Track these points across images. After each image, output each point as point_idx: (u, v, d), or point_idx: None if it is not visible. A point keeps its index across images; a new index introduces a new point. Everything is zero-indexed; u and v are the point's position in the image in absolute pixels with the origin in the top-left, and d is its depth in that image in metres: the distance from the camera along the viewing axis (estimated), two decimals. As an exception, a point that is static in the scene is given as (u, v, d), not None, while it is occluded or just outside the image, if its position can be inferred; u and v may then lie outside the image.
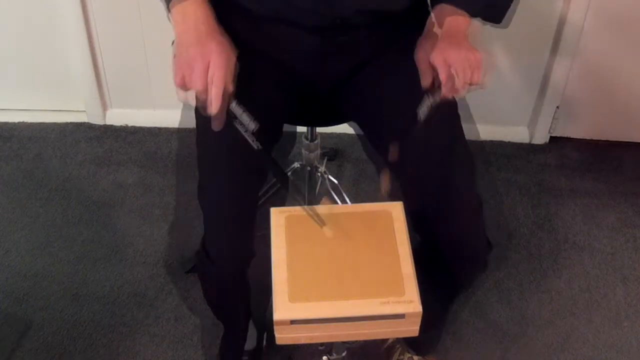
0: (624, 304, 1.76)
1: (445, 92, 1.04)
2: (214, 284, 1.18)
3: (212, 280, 1.20)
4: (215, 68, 1.00)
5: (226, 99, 1.01)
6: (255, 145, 1.03)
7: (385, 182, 1.03)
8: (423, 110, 1.04)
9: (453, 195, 1.14)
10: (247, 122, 1.03)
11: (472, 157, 1.20)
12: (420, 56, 1.07)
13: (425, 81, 1.06)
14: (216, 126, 1.01)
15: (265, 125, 1.22)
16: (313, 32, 1.19)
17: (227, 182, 1.13)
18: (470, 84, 1.06)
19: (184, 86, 1.02)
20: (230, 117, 1.02)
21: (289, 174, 1.83)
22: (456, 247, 1.15)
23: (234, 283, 1.20)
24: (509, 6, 1.19)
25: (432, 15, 1.14)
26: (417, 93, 1.12)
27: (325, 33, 1.20)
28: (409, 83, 1.21)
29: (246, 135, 1.03)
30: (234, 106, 1.03)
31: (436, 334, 1.47)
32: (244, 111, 1.03)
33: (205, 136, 1.14)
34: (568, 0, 1.93)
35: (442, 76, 1.03)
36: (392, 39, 1.25)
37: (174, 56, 1.04)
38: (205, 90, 1.00)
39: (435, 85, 1.06)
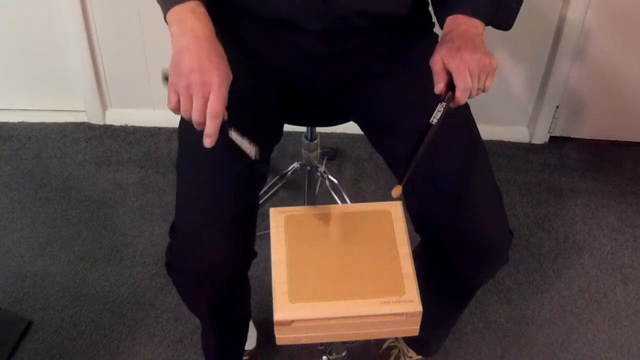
0: (623, 304, 1.76)
1: (459, 97, 1.03)
2: (211, 284, 1.17)
3: (194, 281, 1.18)
4: (215, 101, 0.97)
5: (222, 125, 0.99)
6: (253, 152, 1.01)
7: (397, 192, 1.01)
8: (436, 118, 1.03)
9: (473, 187, 1.13)
10: (248, 149, 1.01)
11: (487, 150, 1.19)
12: (436, 59, 1.06)
13: (439, 86, 1.05)
14: (208, 144, 0.99)
15: (265, 124, 1.22)
16: (314, 38, 1.19)
17: (227, 183, 1.13)
18: (481, 90, 1.06)
19: (177, 110, 1.00)
20: (224, 128, 1.00)
21: (289, 174, 1.83)
22: (478, 240, 1.14)
23: (235, 284, 1.19)
24: (518, 11, 1.19)
25: (446, 25, 1.13)
26: (419, 94, 1.12)
27: (326, 39, 1.20)
28: (410, 84, 1.22)
29: (242, 143, 1.01)
30: (234, 135, 1.00)
31: (442, 333, 1.47)
32: (242, 137, 1.01)
33: (201, 137, 1.13)
34: (568, -1, 1.93)
35: (459, 82, 1.02)
36: (394, 44, 1.25)
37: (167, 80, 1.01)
38: (204, 123, 0.97)
39: (448, 91, 1.05)
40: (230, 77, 1.01)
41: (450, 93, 1.04)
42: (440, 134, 1.03)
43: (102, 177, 2.03)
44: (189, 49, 1.00)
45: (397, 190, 0.99)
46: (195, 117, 0.98)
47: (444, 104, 1.03)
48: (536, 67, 2.10)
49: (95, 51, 2.08)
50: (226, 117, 1.01)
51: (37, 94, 2.20)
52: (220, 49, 1.02)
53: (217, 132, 0.98)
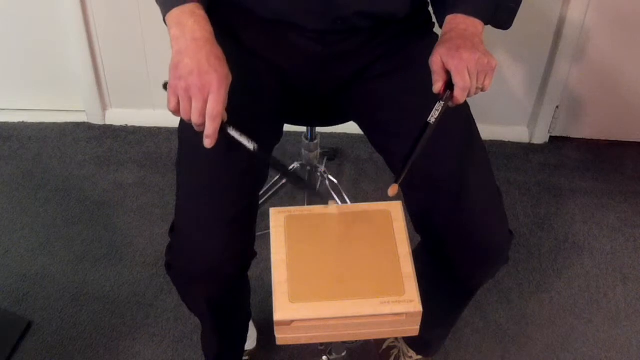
0: (623, 304, 1.76)
1: (458, 96, 1.03)
2: (213, 284, 1.18)
3: (195, 283, 1.18)
4: (214, 103, 0.97)
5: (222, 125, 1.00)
6: (251, 146, 1.02)
7: (393, 190, 1.01)
8: (434, 117, 1.03)
9: (473, 186, 1.13)
10: (246, 144, 1.02)
11: (486, 149, 1.19)
12: (435, 59, 1.06)
13: (437, 85, 1.05)
14: (208, 144, 1.00)
15: (265, 125, 1.22)
16: (314, 38, 1.19)
17: (227, 183, 1.13)
18: (480, 89, 1.06)
19: (177, 112, 1.01)
20: (222, 128, 1.01)
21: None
22: (477, 240, 1.14)
23: (234, 284, 1.19)
24: (517, 11, 1.19)
25: (445, 24, 1.13)
26: (419, 94, 1.12)
27: (326, 39, 1.19)
28: (410, 84, 1.22)
29: (241, 139, 1.02)
30: (232, 132, 1.01)
31: (442, 333, 1.47)
32: (241, 134, 1.02)
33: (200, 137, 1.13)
34: None
35: (458, 81, 1.02)
36: (393, 44, 1.25)
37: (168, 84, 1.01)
38: (203, 124, 0.98)
39: (447, 90, 1.04)
40: (230, 79, 1.01)
41: (449, 92, 1.04)
42: (440, 134, 1.03)
43: (102, 177, 2.03)
44: (188, 51, 1.00)
45: (393, 189, 0.99)
46: (194, 119, 0.99)
47: (442, 103, 1.03)
48: (536, 67, 2.10)
49: (95, 51, 2.08)
50: (226, 119, 1.01)
51: (37, 94, 2.20)
52: (219, 51, 1.03)
53: (217, 132, 0.99)
